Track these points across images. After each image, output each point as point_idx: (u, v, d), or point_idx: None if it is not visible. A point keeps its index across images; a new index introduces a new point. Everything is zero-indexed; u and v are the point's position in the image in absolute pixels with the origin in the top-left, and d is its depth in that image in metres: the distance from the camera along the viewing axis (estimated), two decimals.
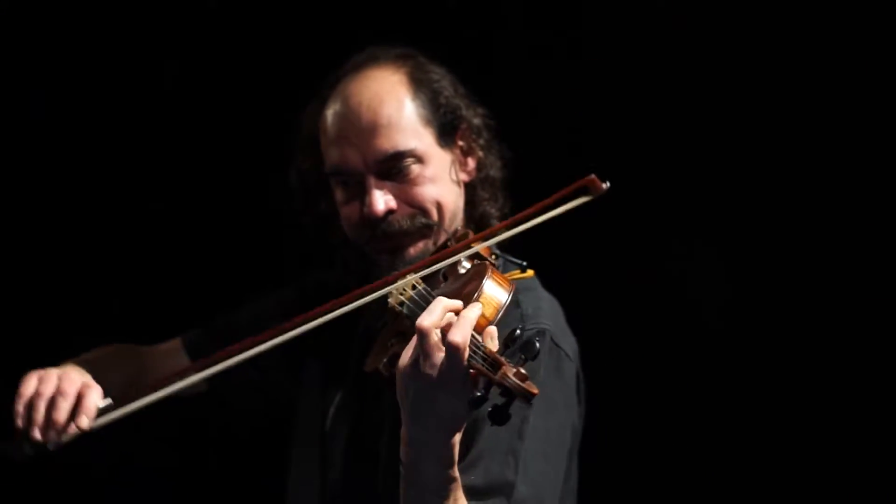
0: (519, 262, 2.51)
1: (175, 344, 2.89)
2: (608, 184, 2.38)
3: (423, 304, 2.26)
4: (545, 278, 2.62)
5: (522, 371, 2.01)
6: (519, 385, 1.99)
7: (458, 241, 2.53)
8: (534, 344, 2.03)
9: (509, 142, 2.79)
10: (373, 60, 2.68)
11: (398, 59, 2.68)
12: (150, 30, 3.55)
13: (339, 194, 2.65)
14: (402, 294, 2.33)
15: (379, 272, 2.56)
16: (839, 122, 3.28)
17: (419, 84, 2.64)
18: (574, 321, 2.61)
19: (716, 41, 3.34)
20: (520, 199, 2.69)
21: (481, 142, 2.73)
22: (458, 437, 2.10)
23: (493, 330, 2.11)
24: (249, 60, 3.54)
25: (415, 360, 2.07)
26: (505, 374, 1.99)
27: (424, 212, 2.60)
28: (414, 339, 2.08)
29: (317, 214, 2.75)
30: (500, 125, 2.77)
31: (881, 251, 3.28)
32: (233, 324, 2.84)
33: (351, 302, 2.35)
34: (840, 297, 3.30)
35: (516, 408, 2.14)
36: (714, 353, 3.37)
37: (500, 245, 2.66)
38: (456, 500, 2.13)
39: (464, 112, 2.68)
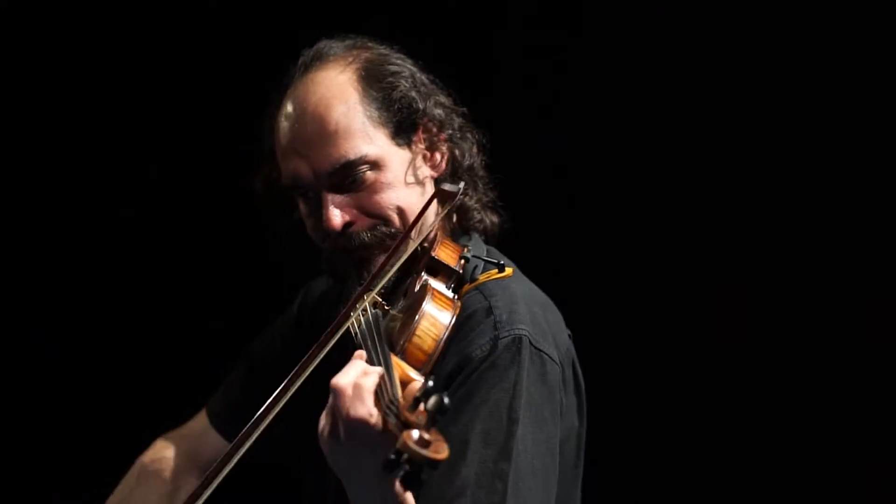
0: (495, 261, 2.42)
1: (202, 421, 2.83)
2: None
3: (373, 332, 2.19)
4: (545, 280, 2.51)
5: (426, 436, 1.86)
6: (419, 453, 1.84)
7: (431, 244, 2.42)
8: (442, 402, 1.87)
9: (511, 141, 2.66)
10: (319, 59, 2.49)
11: (348, 55, 2.49)
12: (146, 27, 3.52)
13: (301, 206, 2.51)
14: (362, 315, 2.29)
15: (350, 286, 2.47)
16: (840, 121, 3.21)
17: (370, 81, 2.45)
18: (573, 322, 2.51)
19: (721, 38, 3.26)
20: (520, 198, 2.61)
21: (449, 132, 2.53)
22: (397, 484, 1.99)
23: (415, 385, 2.03)
24: (242, 55, 3.48)
25: (329, 422, 2.02)
26: (405, 443, 1.85)
27: (386, 220, 2.43)
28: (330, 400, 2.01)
29: (290, 224, 2.60)
30: (472, 109, 2.60)
31: (881, 250, 3.23)
32: (247, 379, 2.79)
33: (321, 349, 2.26)
34: (839, 296, 3.24)
35: (487, 436, 2.12)
36: (714, 357, 3.32)
37: (488, 241, 2.59)
38: None
39: (422, 106, 2.47)
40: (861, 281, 3.21)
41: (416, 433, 1.85)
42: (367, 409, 2.01)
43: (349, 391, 2.02)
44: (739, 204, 3.30)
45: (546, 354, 2.31)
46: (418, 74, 2.52)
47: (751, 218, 3.29)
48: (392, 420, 1.93)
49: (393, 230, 2.43)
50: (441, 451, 1.86)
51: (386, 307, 2.38)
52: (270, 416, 2.19)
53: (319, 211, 2.43)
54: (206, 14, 3.51)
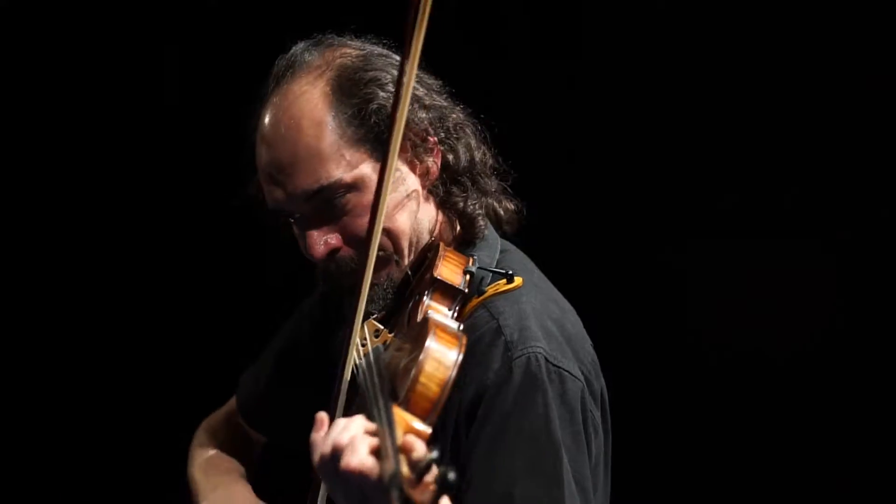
0: (503, 271, 2.24)
1: (232, 410, 2.76)
2: None
3: (373, 370, 2.04)
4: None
5: None
6: None
7: (436, 255, 2.25)
8: (447, 479, 1.69)
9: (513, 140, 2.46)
10: (291, 69, 2.29)
11: (322, 62, 2.28)
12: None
13: (293, 227, 2.35)
14: (363, 346, 2.18)
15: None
16: (841, 121, 3.14)
17: (342, 95, 2.24)
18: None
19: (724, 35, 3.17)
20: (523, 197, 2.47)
21: (440, 135, 2.31)
22: None
23: (419, 450, 1.82)
24: (244, 55, 3.31)
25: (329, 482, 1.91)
26: None
27: None
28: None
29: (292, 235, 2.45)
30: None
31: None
32: (275, 366, 2.69)
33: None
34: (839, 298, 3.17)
35: (533, 468, 2.02)
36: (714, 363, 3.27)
37: (504, 234, 2.42)
38: None
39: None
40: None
41: None
42: (368, 479, 1.85)
43: (348, 453, 1.87)
44: (738, 203, 3.21)
45: (565, 371, 2.15)
46: (399, 76, 2.29)
47: (750, 218, 3.20)
48: (395, 493, 1.76)
49: (381, 253, 2.25)
50: None
51: (389, 335, 2.24)
52: None
53: (304, 237, 2.28)
54: (206, 13, 3.42)
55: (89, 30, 3.42)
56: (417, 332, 2.11)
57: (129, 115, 3.51)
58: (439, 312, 2.17)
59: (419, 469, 1.74)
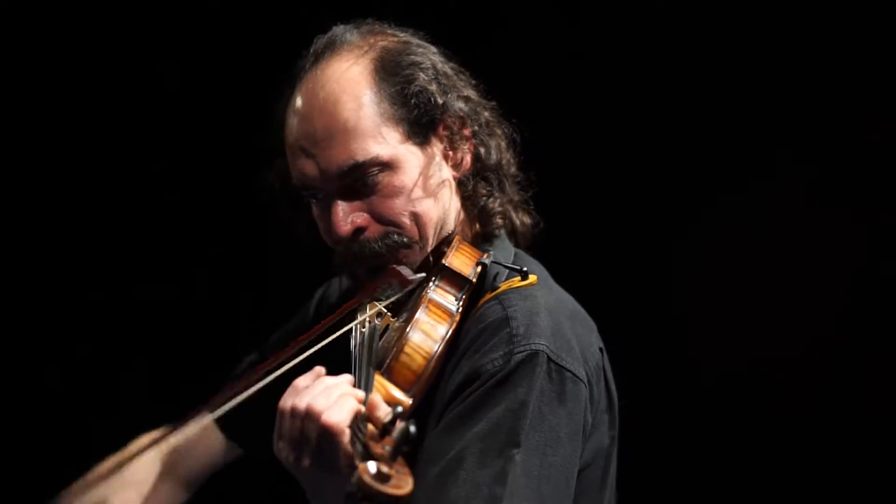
0: (518, 267, 2.22)
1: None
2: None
3: (366, 344, 2.11)
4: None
5: (386, 470, 1.75)
6: (375, 489, 1.73)
7: (449, 246, 2.24)
8: (408, 432, 1.76)
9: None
10: (332, 48, 2.27)
11: (363, 42, 2.26)
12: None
13: (313, 208, 2.30)
14: (364, 327, 2.18)
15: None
16: (840, 121, 3.09)
17: (385, 74, 2.22)
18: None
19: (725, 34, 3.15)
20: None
21: (474, 128, 2.31)
22: None
23: (385, 411, 1.92)
24: (249, 50, 3.35)
25: (290, 447, 1.95)
26: (360, 478, 1.74)
27: (399, 227, 2.22)
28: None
29: (307, 222, 2.39)
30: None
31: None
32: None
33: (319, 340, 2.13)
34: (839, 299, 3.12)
35: (484, 457, 2.00)
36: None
37: (518, 244, 2.41)
38: None
39: (442, 100, 2.24)
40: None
41: (373, 466, 1.75)
42: (338, 434, 1.91)
43: (310, 410, 1.94)
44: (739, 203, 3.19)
45: (569, 371, 2.11)
46: (441, 65, 2.30)
47: (753, 218, 3.18)
48: (359, 448, 1.83)
49: (406, 239, 2.23)
50: (402, 487, 1.75)
51: (391, 319, 2.22)
52: (249, 392, 2.08)
53: (329, 215, 2.23)
54: (212, 6, 3.39)
55: (89, 25, 3.40)
56: (413, 310, 2.12)
57: (128, 114, 3.48)
58: (443, 297, 2.16)
59: (384, 424, 1.81)
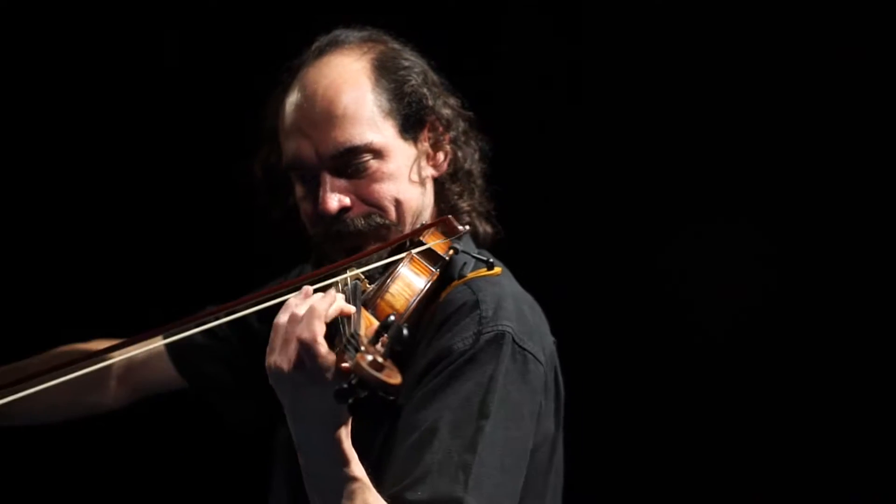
0: (485, 258, 2.40)
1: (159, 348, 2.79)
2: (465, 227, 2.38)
3: (348, 296, 2.21)
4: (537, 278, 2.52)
5: (380, 360, 1.89)
6: (372, 375, 1.86)
7: (425, 231, 2.41)
8: (401, 332, 1.91)
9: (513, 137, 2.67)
10: (335, 45, 2.51)
11: (363, 44, 2.51)
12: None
13: (297, 189, 2.50)
14: (343, 283, 2.30)
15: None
16: (840, 121, 3.22)
17: (383, 72, 2.47)
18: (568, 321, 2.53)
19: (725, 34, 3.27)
20: (523, 194, 2.65)
21: (452, 134, 2.55)
22: (344, 433, 2.06)
23: (375, 323, 2.07)
24: (236, 53, 3.50)
25: (277, 357, 2.05)
26: (358, 364, 1.87)
27: (382, 210, 2.44)
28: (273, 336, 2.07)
29: (285, 209, 2.59)
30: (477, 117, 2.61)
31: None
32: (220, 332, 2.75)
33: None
34: (838, 298, 3.27)
35: (456, 427, 2.14)
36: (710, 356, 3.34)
37: (477, 242, 2.59)
38: (365, 501, 2.06)
39: (432, 103, 2.49)
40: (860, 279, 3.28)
41: (370, 356, 1.87)
42: (319, 335, 2.04)
43: (302, 315, 2.06)
44: (738, 204, 3.33)
45: (530, 353, 2.31)
46: (430, 73, 2.55)
47: (752, 219, 3.32)
48: (350, 353, 1.94)
49: (387, 221, 2.43)
50: (394, 378, 1.88)
51: (368, 286, 2.35)
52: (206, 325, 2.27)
53: (316, 193, 2.43)
54: (202, 10, 3.54)
55: (84, 22, 3.52)
56: (394, 265, 2.29)
57: (127, 114, 3.57)
58: (423, 259, 2.32)
59: (377, 330, 1.96)
